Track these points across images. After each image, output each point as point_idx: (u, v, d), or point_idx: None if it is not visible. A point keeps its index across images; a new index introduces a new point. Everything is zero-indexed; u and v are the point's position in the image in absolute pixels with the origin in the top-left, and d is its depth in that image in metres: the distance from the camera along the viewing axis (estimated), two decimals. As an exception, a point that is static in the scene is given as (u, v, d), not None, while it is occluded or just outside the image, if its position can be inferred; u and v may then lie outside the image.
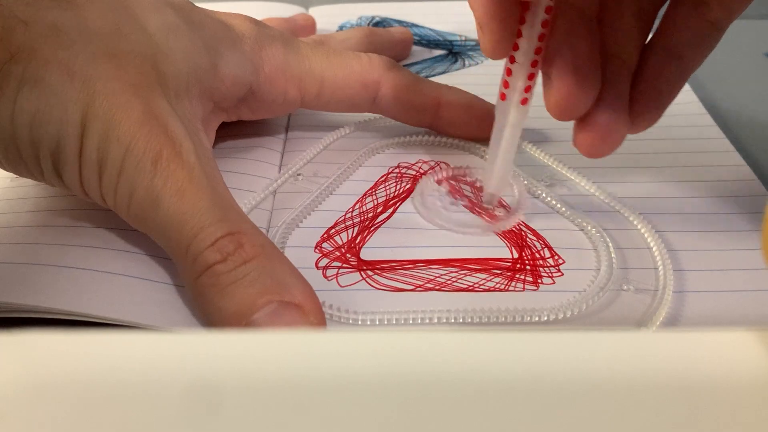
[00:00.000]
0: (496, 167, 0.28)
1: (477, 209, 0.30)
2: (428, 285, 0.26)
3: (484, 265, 0.27)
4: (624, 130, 0.25)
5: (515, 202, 0.30)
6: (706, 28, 0.25)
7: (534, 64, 0.25)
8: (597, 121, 0.25)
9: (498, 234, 0.29)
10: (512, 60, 0.25)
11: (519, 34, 0.24)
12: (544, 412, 0.14)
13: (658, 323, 0.25)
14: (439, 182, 0.32)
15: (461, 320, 0.25)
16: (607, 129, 0.25)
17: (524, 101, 0.26)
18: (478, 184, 0.31)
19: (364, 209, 0.30)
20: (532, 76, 0.25)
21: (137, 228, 0.25)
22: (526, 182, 0.32)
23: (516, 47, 0.25)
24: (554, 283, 0.27)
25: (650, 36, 0.26)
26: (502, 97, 0.26)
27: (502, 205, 0.30)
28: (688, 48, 0.25)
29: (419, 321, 0.25)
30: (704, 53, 0.26)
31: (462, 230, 0.29)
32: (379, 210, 0.30)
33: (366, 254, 0.28)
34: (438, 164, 0.33)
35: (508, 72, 0.25)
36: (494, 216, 0.30)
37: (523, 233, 0.29)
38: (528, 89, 0.26)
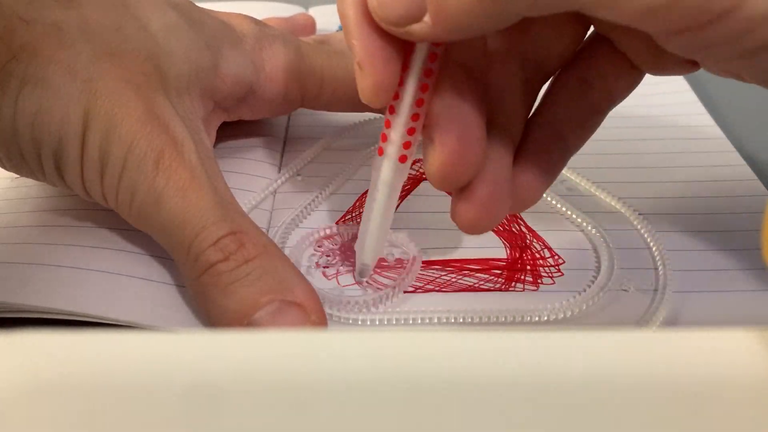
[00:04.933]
0: (368, 235, 0.25)
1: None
2: (428, 285, 0.27)
3: (484, 265, 0.27)
4: (506, 206, 0.23)
5: (407, 261, 0.27)
6: (588, 109, 0.24)
7: (415, 117, 0.22)
8: (478, 194, 0.22)
9: (498, 234, 0.29)
10: (392, 110, 0.22)
11: (401, 82, 0.22)
12: (544, 412, 0.14)
13: (658, 323, 0.25)
14: (318, 243, 0.28)
15: (461, 320, 0.25)
16: (489, 203, 0.22)
17: (403, 158, 0.23)
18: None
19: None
20: (412, 131, 0.22)
21: (139, 227, 0.25)
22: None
23: (396, 96, 0.22)
24: (554, 283, 0.27)
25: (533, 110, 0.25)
26: (380, 151, 0.23)
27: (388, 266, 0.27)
28: (570, 128, 0.24)
29: (419, 321, 0.25)
30: (585, 136, 0.25)
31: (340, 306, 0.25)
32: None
33: (366, 254, 0.28)
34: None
35: (387, 123, 0.23)
36: (375, 283, 0.26)
37: (523, 234, 0.29)
38: (408, 145, 0.23)
